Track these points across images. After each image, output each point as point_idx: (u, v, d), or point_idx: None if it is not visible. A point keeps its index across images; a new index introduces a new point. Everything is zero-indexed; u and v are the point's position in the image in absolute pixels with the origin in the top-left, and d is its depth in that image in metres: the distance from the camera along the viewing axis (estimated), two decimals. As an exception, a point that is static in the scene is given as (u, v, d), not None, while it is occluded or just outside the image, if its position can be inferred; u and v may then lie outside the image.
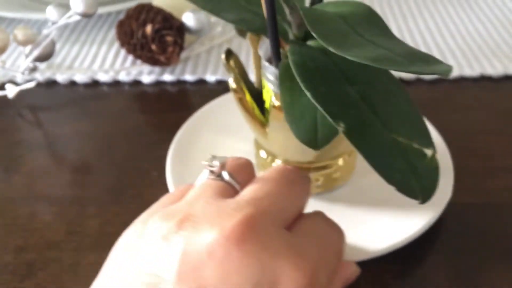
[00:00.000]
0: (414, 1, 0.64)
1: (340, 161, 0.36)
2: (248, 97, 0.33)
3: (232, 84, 0.33)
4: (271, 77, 0.31)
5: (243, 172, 0.26)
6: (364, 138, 0.25)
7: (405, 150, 0.26)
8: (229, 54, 0.32)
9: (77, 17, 0.38)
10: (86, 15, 0.37)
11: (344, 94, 0.26)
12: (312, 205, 0.34)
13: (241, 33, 0.32)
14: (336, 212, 0.33)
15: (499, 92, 0.49)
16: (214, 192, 0.24)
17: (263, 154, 0.37)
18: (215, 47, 0.56)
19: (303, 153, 0.34)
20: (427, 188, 0.26)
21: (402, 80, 0.50)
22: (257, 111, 0.34)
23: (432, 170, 0.26)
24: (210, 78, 0.51)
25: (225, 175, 0.25)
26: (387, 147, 0.26)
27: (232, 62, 0.32)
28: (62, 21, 0.39)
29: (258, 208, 0.22)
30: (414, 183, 0.26)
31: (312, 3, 0.32)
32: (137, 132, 0.46)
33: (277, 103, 0.32)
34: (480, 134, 0.44)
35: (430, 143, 0.26)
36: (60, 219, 0.37)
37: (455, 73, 0.51)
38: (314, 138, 0.28)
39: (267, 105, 0.33)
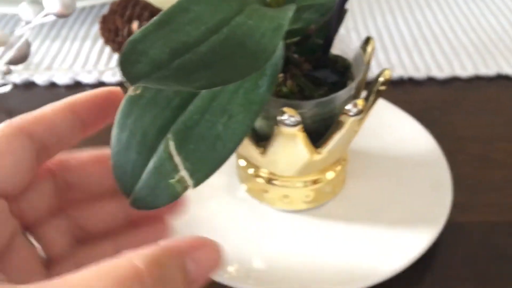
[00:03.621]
0: (421, -10, 0.60)
1: (331, 174, 0.33)
2: None
3: None
4: None
5: None
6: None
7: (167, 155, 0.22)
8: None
9: (52, 17, 0.34)
10: (62, 16, 0.32)
11: None
12: (302, 222, 0.33)
13: None
14: (328, 230, 0.33)
15: (517, 93, 0.45)
16: None
17: (242, 163, 0.34)
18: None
19: (294, 167, 0.31)
20: (143, 200, 0.22)
21: (412, 80, 0.46)
22: None
23: (165, 189, 0.21)
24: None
25: None
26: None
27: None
28: (37, 21, 0.35)
29: None
30: (138, 182, 0.22)
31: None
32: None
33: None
34: (498, 142, 0.40)
35: (199, 176, 0.21)
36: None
37: (469, 72, 0.47)
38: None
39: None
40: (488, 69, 0.47)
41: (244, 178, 0.35)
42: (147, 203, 0.21)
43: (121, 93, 0.23)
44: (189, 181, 0.21)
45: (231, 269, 0.30)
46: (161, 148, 0.22)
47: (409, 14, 0.56)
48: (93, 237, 0.20)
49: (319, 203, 0.34)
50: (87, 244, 0.20)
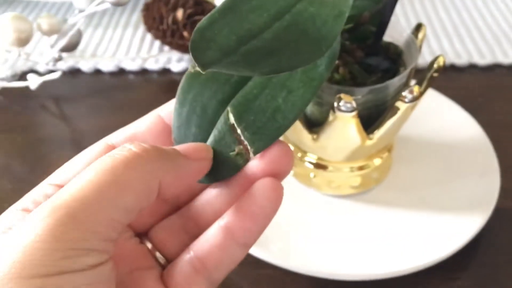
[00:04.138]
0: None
1: (378, 161, 0.34)
2: None
3: None
4: None
5: None
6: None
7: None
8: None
9: (107, 5, 0.34)
10: (118, 4, 0.33)
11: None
12: (348, 207, 0.34)
13: None
14: (374, 215, 0.34)
15: (560, 80, 0.45)
16: None
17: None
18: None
19: (344, 153, 0.32)
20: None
21: (454, 67, 0.46)
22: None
23: (226, 162, 0.22)
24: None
25: None
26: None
27: None
28: (90, 9, 0.36)
29: None
30: None
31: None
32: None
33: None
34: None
35: (259, 145, 0.21)
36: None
37: (510, 58, 0.47)
38: None
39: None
40: (531, 56, 0.46)
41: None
42: (209, 176, 0.22)
43: None
44: (250, 151, 0.21)
45: (275, 248, 0.31)
46: (221, 120, 0.22)
47: (449, 0, 0.55)
48: (206, 227, 0.21)
49: (365, 189, 0.35)
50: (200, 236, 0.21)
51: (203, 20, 0.20)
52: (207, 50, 0.20)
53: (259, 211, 0.20)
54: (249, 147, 0.21)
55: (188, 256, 0.20)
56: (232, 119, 0.22)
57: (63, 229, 0.16)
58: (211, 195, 0.22)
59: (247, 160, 0.21)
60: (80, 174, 0.18)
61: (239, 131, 0.22)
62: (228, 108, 0.22)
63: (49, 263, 0.15)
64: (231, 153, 0.22)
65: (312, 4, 0.23)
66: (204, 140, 0.22)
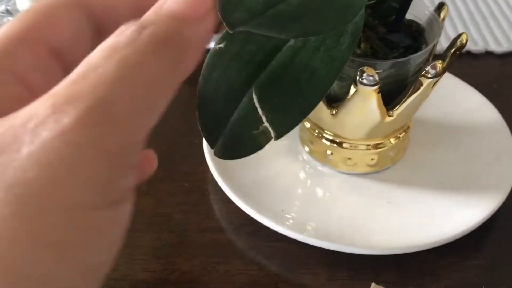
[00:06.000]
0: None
1: (394, 140, 0.34)
2: None
3: None
4: None
5: None
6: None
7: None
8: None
9: None
10: None
11: None
12: (364, 184, 0.35)
13: None
14: (389, 194, 0.34)
15: None
16: None
17: (307, 124, 0.35)
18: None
19: (362, 130, 0.32)
20: (227, 150, 0.22)
21: (469, 53, 0.46)
22: None
23: (249, 140, 0.22)
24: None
25: None
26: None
27: None
28: None
29: None
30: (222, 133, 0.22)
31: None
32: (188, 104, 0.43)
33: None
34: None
35: (281, 129, 0.21)
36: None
37: (527, 47, 0.47)
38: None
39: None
40: (548, 45, 0.46)
41: (307, 140, 0.36)
42: (231, 153, 0.22)
43: None
44: (271, 134, 0.22)
45: (290, 221, 0.31)
46: (245, 100, 0.22)
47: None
48: None
49: (381, 168, 0.35)
50: None
51: None
52: (235, 11, 0.20)
53: None
54: (271, 131, 0.21)
55: None
56: (255, 100, 0.22)
57: None
58: None
59: (269, 139, 0.21)
60: None
61: (262, 113, 0.22)
62: (252, 89, 0.22)
63: None
64: (255, 132, 0.22)
65: None
66: (228, 117, 0.22)
